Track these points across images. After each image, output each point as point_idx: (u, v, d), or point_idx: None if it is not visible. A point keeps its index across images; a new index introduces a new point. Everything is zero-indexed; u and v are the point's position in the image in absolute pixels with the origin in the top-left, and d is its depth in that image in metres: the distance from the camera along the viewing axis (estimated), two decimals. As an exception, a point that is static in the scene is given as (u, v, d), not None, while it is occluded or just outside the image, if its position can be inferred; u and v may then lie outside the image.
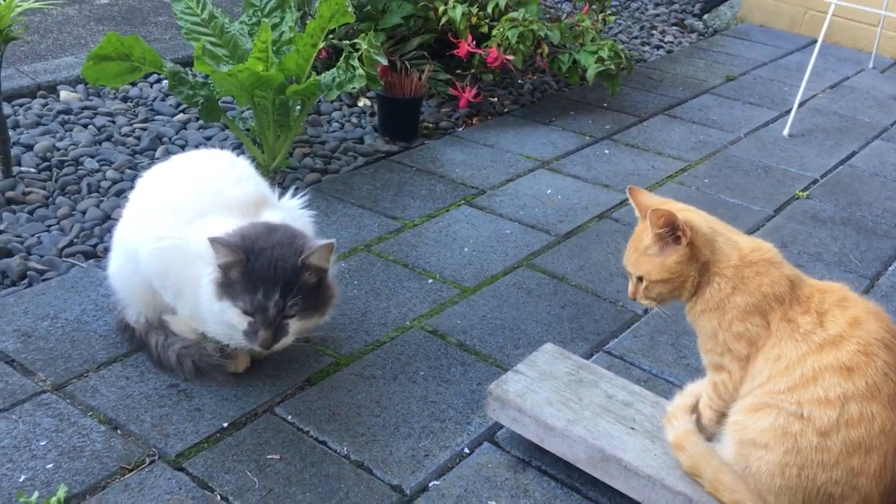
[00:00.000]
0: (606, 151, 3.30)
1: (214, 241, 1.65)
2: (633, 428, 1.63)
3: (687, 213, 1.50)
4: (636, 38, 4.86)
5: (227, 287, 1.67)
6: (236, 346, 1.82)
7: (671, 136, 3.49)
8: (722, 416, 1.51)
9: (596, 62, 3.46)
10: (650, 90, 4.00)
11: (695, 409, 1.58)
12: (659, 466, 1.54)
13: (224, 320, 1.69)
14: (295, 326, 1.70)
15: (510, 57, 3.35)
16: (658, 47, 4.76)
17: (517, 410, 1.69)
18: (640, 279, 1.50)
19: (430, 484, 1.65)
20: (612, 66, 3.49)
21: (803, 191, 3.06)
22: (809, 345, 1.39)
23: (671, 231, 1.44)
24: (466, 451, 1.74)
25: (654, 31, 5.00)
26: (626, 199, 2.87)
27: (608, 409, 1.68)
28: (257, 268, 1.65)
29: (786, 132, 3.58)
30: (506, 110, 3.65)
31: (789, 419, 1.36)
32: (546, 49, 3.53)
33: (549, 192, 2.92)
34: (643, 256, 1.48)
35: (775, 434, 1.37)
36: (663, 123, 3.63)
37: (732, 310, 1.44)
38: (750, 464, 1.41)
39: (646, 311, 2.26)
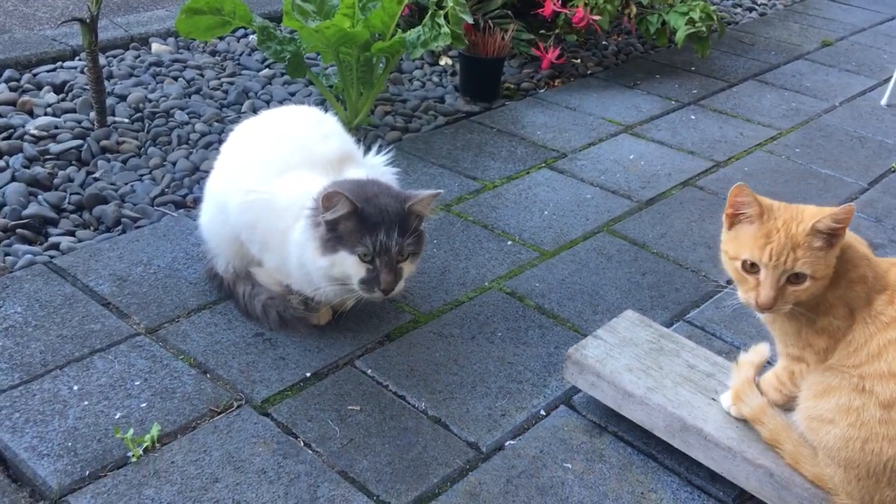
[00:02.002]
0: (693, 117, 3.22)
1: (333, 194, 1.67)
2: (714, 399, 1.61)
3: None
4: (727, -1, 4.69)
5: (338, 240, 1.71)
6: (320, 300, 1.86)
7: (762, 103, 3.37)
8: (789, 399, 1.50)
9: (686, 24, 3.36)
10: (741, 54, 3.87)
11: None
12: (740, 438, 1.52)
13: (334, 274, 1.73)
14: (407, 270, 1.76)
15: (596, 17, 3.28)
16: (750, 9, 4.59)
17: (595, 375, 1.68)
18: (798, 278, 1.36)
19: (507, 443, 1.67)
20: (703, 29, 3.38)
21: (901, 164, 2.94)
22: (877, 325, 1.36)
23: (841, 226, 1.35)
24: (542, 413, 1.75)
25: (746, -7, 4.82)
26: (713, 167, 2.82)
27: (689, 378, 1.66)
28: (371, 214, 1.70)
29: (884, 102, 3.42)
30: (589, 72, 3.58)
31: (852, 394, 1.35)
32: (634, 9, 3.44)
33: (631, 157, 2.87)
34: (812, 252, 1.34)
35: (839, 409, 1.36)
36: (754, 89, 3.51)
37: (821, 305, 1.40)
38: (819, 438, 1.40)
39: (729, 282, 2.21)
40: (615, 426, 1.72)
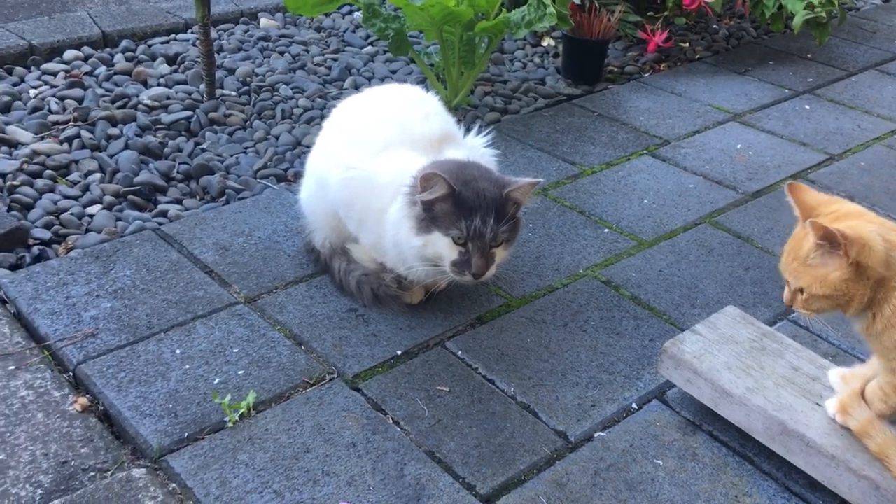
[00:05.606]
0: (807, 107, 3.07)
1: (431, 175, 1.67)
2: (818, 404, 1.54)
3: (860, 224, 1.32)
4: (850, -17, 4.44)
5: (433, 220, 1.71)
6: (413, 279, 1.87)
7: (882, 95, 3.18)
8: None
9: (805, 8, 3.19)
10: (862, 42, 3.66)
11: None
12: (845, 447, 1.45)
13: (426, 255, 1.73)
14: (499, 256, 1.75)
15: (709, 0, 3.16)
16: (875, -6, 4.33)
17: (692, 372, 1.63)
18: (799, 290, 1.38)
19: (596, 434, 1.64)
20: (823, 14, 3.21)
21: None
22: None
23: (831, 244, 1.30)
24: (634, 406, 1.72)
25: (871, -24, 4.55)
26: (827, 160, 2.68)
27: (792, 381, 1.59)
28: (468, 198, 1.69)
29: None
30: (697, 57, 3.46)
31: None
32: (749, -8, 3.30)
33: (738, 146, 2.76)
34: (804, 266, 1.36)
35: None
36: (874, 80, 3.31)
37: None
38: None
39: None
40: (710, 425, 1.67)
